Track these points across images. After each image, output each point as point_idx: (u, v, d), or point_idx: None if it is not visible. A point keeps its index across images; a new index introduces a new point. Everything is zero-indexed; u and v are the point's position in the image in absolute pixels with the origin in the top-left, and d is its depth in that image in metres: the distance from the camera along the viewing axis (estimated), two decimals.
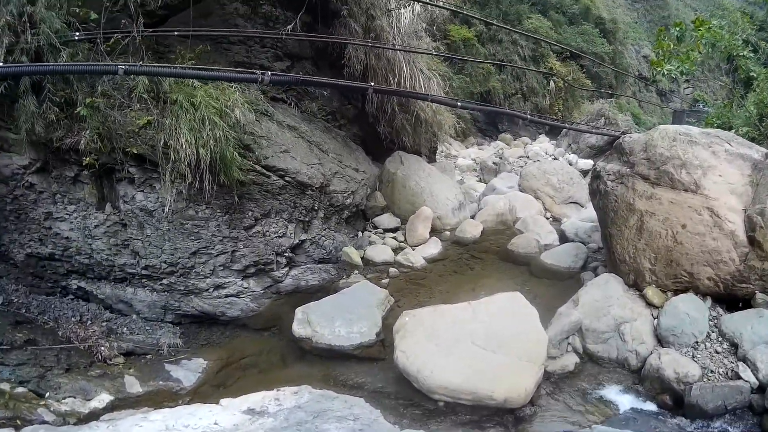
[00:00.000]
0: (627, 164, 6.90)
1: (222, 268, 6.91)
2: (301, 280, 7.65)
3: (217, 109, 6.20)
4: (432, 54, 9.56)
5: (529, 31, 19.11)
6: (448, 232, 9.80)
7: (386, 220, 9.70)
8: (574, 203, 11.11)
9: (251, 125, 7.02)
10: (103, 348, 6.10)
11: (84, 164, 6.15)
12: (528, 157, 15.85)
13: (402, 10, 8.85)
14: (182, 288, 6.84)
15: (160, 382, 5.89)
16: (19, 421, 4.67)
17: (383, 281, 7.90)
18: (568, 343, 6.13)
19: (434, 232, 9.67)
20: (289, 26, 7.68)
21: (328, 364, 6.14)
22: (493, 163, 14.85)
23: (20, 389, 5.16)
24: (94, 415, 5.10)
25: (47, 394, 5.23)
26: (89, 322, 6.53)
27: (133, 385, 5.72)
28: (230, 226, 6.84)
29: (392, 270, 8.24)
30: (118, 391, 5.57)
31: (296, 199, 7.47)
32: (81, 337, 6.13)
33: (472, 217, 10.39)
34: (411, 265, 8.45)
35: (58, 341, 6.02)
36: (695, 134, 6.67)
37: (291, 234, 7.47)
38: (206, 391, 5.81)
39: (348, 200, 8.54)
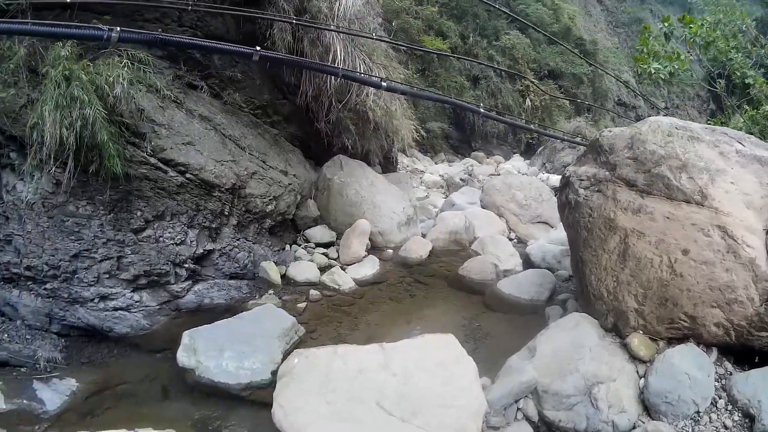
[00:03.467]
0: (606, 166, 5.61)
1: (107, 276, 6.20)
2: (205, 297, 6.93)
3: (95, 86, 5.49)
4: (374, 39, 8.55)
5: (505, 48, 18.69)
6: (390, 251, 9.10)
7: (319, 233, 9.02)
8: (542, 223, 10.40)
9: (152, 111, 6.39)
10: None
11: None
12: (498, 175, 15.17)
13: None
14: (66, 295, 6.12)
15: (25, 401, 5.24)
16: None
17: (300, 305, 7.14)
18: (518, 409, 4.81)
19: (375, 250, 9.02)
20: None
21: (210, 404, 5.26)
22: (461, 179, 14.33)
23: None
24: None
25: None
26: None
27: None
28: (115, 228, 6.14)
29: (313, 292, 7.48)
30: None
31: (199, 201, 6.77)
32: None
33: (423, 235, 9.61)
34: (337, 287, 7.73)
35: None
36: (696, 129, 5.43)
37: (192, 242, 6.75)
38: (69, 418, 5.09)
39: (269, 207, 7.81)
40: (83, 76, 5.36)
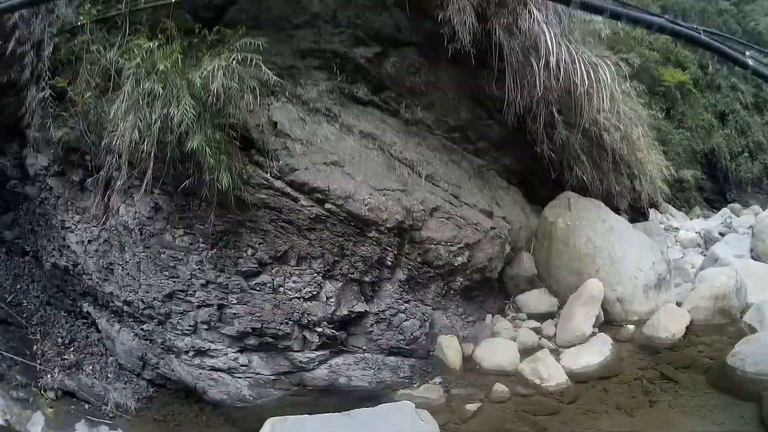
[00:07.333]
0: None
1: (206, 327, 4.66)
2: (341, 375, 4.87)
3: (187, 81, 3.94)
4: None
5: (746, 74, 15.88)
6: (631, 327, 5.97)
7: (534, 299, 6.30)
8: None
9: (288, 123, 4.67)
10: (49, 377, 5.13)
11: (87, 167, 4.90)
12: None
13: None
14: (160, 341, 4.93)
15: None
16: None
17: (469, 406, 4.60)
18: None
19: (609, 325, 5.99)
20: None
21: None
22: (720, 233, 11.07)
23: None
24: None
25: None
26: (72, 348, 5.53)
27: (36, 425, 4.73)
28: (217, 267, 4.49)
29: (499, 387, 4.82)
30: (18, 421, 4.65)
31: (345, 242, 4.69)
32: (46, 358, 5.32)
33: (678, 304, 6.28)
34: (539, 382, 4.95)
35: (22, 352, 5.22)
36: None
37: (330, 298, 4.69)
38: None
39: (459, 258, 5.32)
40: (163, 67, 3.85)
